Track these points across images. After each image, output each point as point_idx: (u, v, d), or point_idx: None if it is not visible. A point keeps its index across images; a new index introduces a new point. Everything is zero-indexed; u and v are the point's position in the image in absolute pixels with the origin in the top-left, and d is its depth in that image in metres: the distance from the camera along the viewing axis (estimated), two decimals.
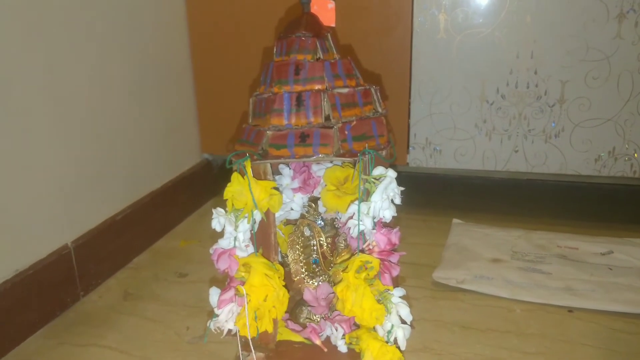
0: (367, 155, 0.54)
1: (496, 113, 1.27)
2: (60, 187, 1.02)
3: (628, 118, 1.19)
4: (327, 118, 0.55)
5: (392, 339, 0.56)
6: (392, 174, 0.54)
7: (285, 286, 0.57)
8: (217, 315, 0.58)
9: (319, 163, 0.66)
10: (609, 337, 0.88)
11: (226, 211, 0.56)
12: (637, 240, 1.16)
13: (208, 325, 0.59)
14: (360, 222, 0.54)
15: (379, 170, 0.55)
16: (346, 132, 0.54)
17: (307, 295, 0.65)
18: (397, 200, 0.56)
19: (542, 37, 1.19)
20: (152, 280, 1.12)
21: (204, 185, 1.50)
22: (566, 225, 1.24)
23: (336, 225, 0.68)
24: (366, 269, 0.55)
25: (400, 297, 0.58)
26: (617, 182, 1.24)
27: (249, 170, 0.54)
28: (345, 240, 0.64)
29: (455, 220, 1.31)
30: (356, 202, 0.55)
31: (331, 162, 0.67)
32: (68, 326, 0.97)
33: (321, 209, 0.67)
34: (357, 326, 0.61)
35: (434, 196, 1.44)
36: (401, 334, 0.56)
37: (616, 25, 1.14)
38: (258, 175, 0.56)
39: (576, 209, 1.29)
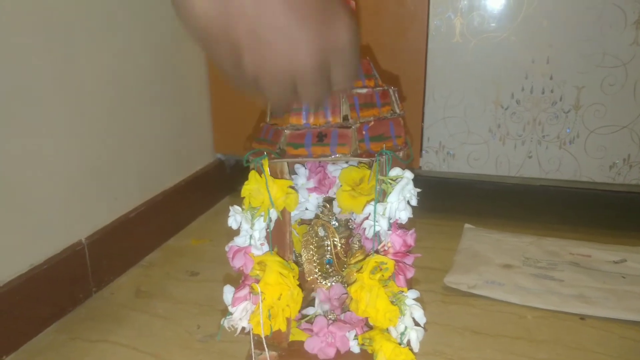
0: (384, 156, 0.54)
1: (510, 118, 1.27)
2: (74, 184, 1.03)
3: None
4: (345, 118, 0.55)
5: (405, 341, 0.56)
6: (409, 175, 0.54)
7: (300, 285, 0.57)
8: (231, 313, 0.58)
9: (335, 163, 0.66)
10: (621, 346, 0.87)
11: (243, 209, 0.57)
12: None
13: (222, 322, 0.59)
14: (376, 223, 0.55)
15: (395, 171, 0.55)
16: (364, 133, 0.55)
17: (321, 296, 0.65)
18: (414, 202, 0.56)
19: (558, 42, 1.18)
20: (164, 278, 1.13)
21: (216, 184, 1.51)
22: (578, 233, 1.23)
23: (350, 226, 0.68)
24: (381, 269, 0.55)
25: (414, 299, 0.58)
26: (631, 190, 1.23)
27: (267, 169, 0.55)
28: (359, 241, 0.64)
29: (467, 225, 1.31)
30: (372, 202, 0.55)
31: (347, 162, 0.67)
32: (80, 322, 0.98)
33: (336, 209, 0.67)
34: (370, 327, 0.61)
35: (446, 200, 1.44)
36: (414, 336, 0.56)
37: (634, 32, 1.14)
38: (275, 174, 0.56)
39: (589, 216, 1.28)
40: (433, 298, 1.02)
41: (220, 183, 1.52)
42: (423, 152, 1.33)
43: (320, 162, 0.67)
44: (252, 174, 0.55)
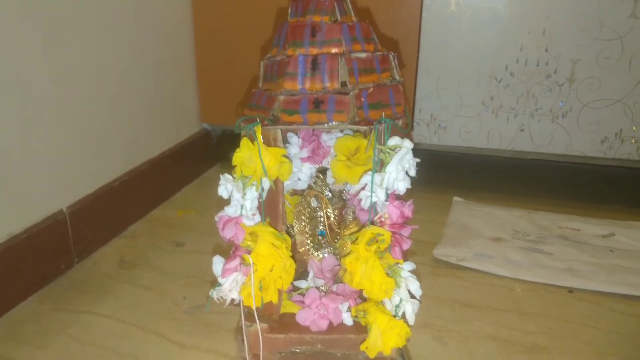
0: (383, 124, 0.51)
1: (504, 90, 1.25)
2: (57, 151, 0.99)
3: (637, 100, 1.17)
4: (344, 84, 0.53)
5: (400, 314, 0.55)
6: (408, 144, 0.52)
7: (292, 257, 0.55)
8: (221, 284, 0.56)
9: (329, 132, 0.64)
10: (610, 319, 0.87)
11: (234, 177, 0.54)
12: (639, 223, 1.16)
13: (210, 294, 0.57)
14: (373, 194, 0.52)
15: (394, 141, 0.52)
16: (362, 99, 0.52)
17: (312, 267, 0.64)
18: (412, 172, 0.54)
19: (555, 14, 1.16)
20: (149, 248, 1.10)
21: (202, 155, 1.47)
22: (568, 207, 1.23)
23: (344, 197, 0.66)
24: (377, 241, 0.53)
25: (409, 271, 0.56)
26: (622, 165, 1.23)
27: (259, 136, 0.52)
28: (353, 212, 0.63)
29: (456, 198, 1.30)
30: (369, 172, 0.53)
31: (342, 131, 0.65)
32: (62, 292, 0.95)
33: (329, 180, 0.65)
34: (363, 299, 0.60)
35: (436, 173, 1.42)
36: (410, 308, 0.55)
37: (632, 4, 1.11)
38: (268, 142, 0.54)
39: (579, 190, 1.28)
40: (422, 270, 1.01)
41: (206, 153, 1.48)
42: (414, 124, 1.31)
43: (315, 130, 0.64)
44: (244, 141, 0.52)
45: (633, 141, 1.20)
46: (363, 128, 0.52)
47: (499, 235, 1.13)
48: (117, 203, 1.15)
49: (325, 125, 0.52)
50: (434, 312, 0.88)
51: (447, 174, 1.44)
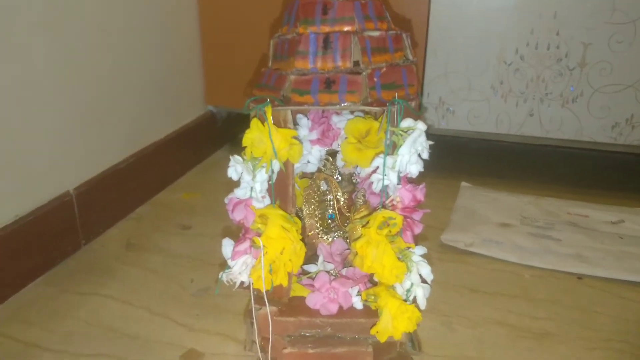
0: (396, 106, 0.50)
1: (514, 74, 1.23)
2: (62, 133, 0.98)
3: None
4: (356, 63, 0.51)
5: (411, 298, 0.55)
6: (421, 126, 0.51)
7: (302, 240, 0.55)
8: (230, 267, 0.56)
9: (340, 113, 0.62)
10: (619, 305, 0.87)
11: (244, 159, 0.53)
12: None
13: (220, 276, 0.57)
14: (385, 177, 0.52)
15: (407, 122, 0.51)
16: (375, 80, 0.51)
17: (322, 251, 0.63)
18: (425, 155, 0.53)
19: None
20: (155, 231, 1.10)
21: (207, 137, 1.46)
22: (576, 193, 1.22)
23: (354, 181, 0.65)
24: (388, 225, 0.52)
25: (421, 255, 0.56)
26: (632, 152, 1.21)
27: (270, 117, 0.51)
28: (364, 196, 0.62)
29: (463, 184, 1.29)
30: (381, 155, 0.52)
31: (352, 113, 0.64)
32: (69, 274, 0.96)
33: (339, 162, 0.64)
34: (373, 283, 0.59)
35: (443, 158, 1.40)
36: (421, 293, 0.54)
37: None
38: (278, 123, 0.53)
39: (588, 177, 1.26)
40: (430, 256, 1.00)
41: (212, 136, 1.47)
42: (422, 108, 1.29)
43: (325, 111, 0.63)
44: (254, 122, 0.51)
45: None
46: (375, 109, 0.51)
47: (507, 221, 1.12)
48: (123, 185, 1.15)
49: (337, 106, 0.51)
50: (441, 298, 0.88)
51: (455, 159, 1.42)
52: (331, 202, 0.64)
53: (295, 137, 0.53)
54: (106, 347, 0.78)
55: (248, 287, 0.57)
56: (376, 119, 0.60)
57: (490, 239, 1.06)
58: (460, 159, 1.42)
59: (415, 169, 0.52)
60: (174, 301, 0.88)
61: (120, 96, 1.13)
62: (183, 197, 1.26)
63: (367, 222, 0.54)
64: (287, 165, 0.54)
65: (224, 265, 0.57)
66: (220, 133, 1.49)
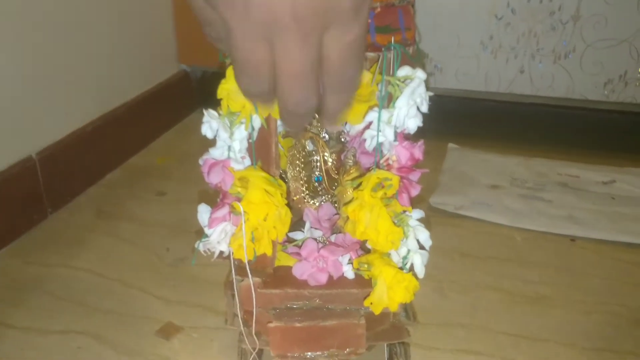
0: (392, 51, 0.44)
1: (504, 29, 1.17)
2: (23, 93, 0.90)
3: None
4: None
5: (407, 266, 0.50)
6: (421, 75, 0.45)
7: (288, 205, 0.49)
8: (207, 236, 0.50)
9: None
10: (613, 267, 0.84)
11: (219, 114, 0.47)
12: None
13: (196, 246, 0.51)
14: (380, 133, 0.46)
15: (405, 71, 0.46)
16: (369, 21, 0.44)
17: (309, 217, 0.58)
18: (424, 108, 0.47)
19: None
20: (128, 198, 1.04)
21: (181, 99, 1.38)
22: (567, 154, 1.18)
23: (343, 140, 0.60)
24: (383, 187, 0.47)
25: (418, 219, 0.51)
26: (624, 110, 1.18)
27: None
28: (354, 156, 0.56)
29: (451, 145, 1.24)
30: (376, 108, 0.46)
31: None
32: (36, 245, 0.89)
33: None
34: (365, 251, 0.54)
35: (429, 119, 1.36)
36: (419, 260, 0.50)
37: None
38: None
39: (578, 137, 1.23)
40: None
41: (186, 97, 1.39)
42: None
43: None
44: (231, 71, 0.45)
45: (638, 84, 1.15)
46: (370, 55, 0.45)
47: (497, 183, 1.09)
48: (91, 150, 1.07)
49: None
50: (432, 263, 0.82)
51: (442, 119, 1.37)
52: (318, 164, 0.58)
53: None
54: (76, 322, 0.72)
55: (228, 257, 0.51)
56: (368, 68, 0.53)
57: (480, 201, 1.02)
58: (447, 120, 1.37)
59: (413, 123, 0.46)
60: (149, 272, 0.83)
61: (87, 54, 1.05)
62: (157, 161, 1.19)
63: (359, 184, 0.48)
64: (269, 121, 0.48)
65: (201, 233, 0.51)
66: (195, 94, 1.41)
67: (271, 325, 0.52)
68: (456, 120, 1.27)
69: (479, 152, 1.21)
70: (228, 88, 0.44)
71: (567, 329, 0.71)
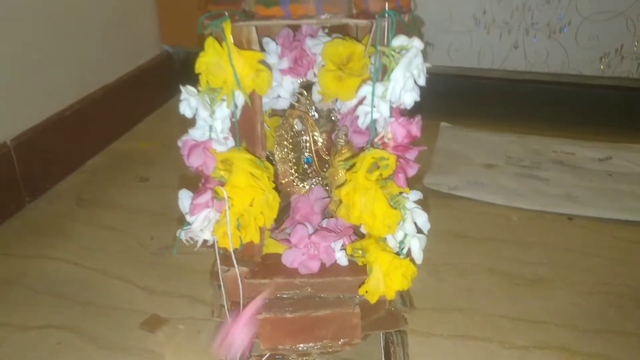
0: (386, 19, 0.40)
1: (498, 3, 1.13)
2: None
3: None
4: None
5: (405, 251, 0.47)
6: (418, 44, 0.42)
7: (275, 189, 0.46)
8: (189, 223, 0.46)
9: (315, 35, 0.52)
10: (612, 246, 0.82)
11: (199, 91, 0.43)
12: (637, 146, 1.09)
13: (178, 234, 0.48)
14: (374, 109, 0.42)
15: (400, 40, 0.42)
16: None
17: (300, 202, 0.54)
18: (422, 81, 0.43)
19: None
20: (110, 184, 1.00)
21: (164, 81, 1.33)
22: (562, 130, 1.16)
23: (334, 118, 0.56)
24: (378, 167, 0.44)
25: (415, 201, 0.47)
26: (620, 84, 1.15)
27: (229, 36, 0.41)
28: (345, 135, 0.53)
29: (443, 124, 1.21)
30: (369, 82, 0.42)
31: (329, 34, 0.53)
32: (13, 235, 0.85)
33: (315, 97, 0.55)
34: (359, 235, 0.51)
35: (421, 97, 1.32)
36: (417, 244, 0.47)
37: None
38: (240, 44, 0.42)
39: (573, 113, 1.20)
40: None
41: (169, 79, 1.34)
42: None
43: (298, 33, 0.53)
44: (210, 43, 0.41)
45: (634, 58, 1.12)
46: (362, 22, 0.41)
47: (491, 162, 1.06)
48: (70, 135, 1.02)
49: (314, 19, 0.41)
50: (427, 245, 0.81)
51: (432, 97, 1.33)
52: (307, 144, 0.55)
53: (262, 62, 0.42)
54: (56, 317, 0.69)
55: (212, 245, 0.48)
56: (359, 39, 0.50)
57: (475, 180, 0.99)
58: (439, 98, 1.33)
59: (410, 97, 0.43)
60: (132, 261, 0.79)
61: (64, 35, 1.00)
62: (140, 146, 1.14)
63: (353, 166, 0.45)
64: (253, 97, 0.44)
65: (183, 221, 0.48)
66: (178, 76, 1.36)
67: (260, 317, 0.49)
68: (448, 98, 1.23)
69: (473, 131, 1.18)
70: (207, 61, 0.40)
71: (567, 311, 0.69)
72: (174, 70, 1.35)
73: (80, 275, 0.77)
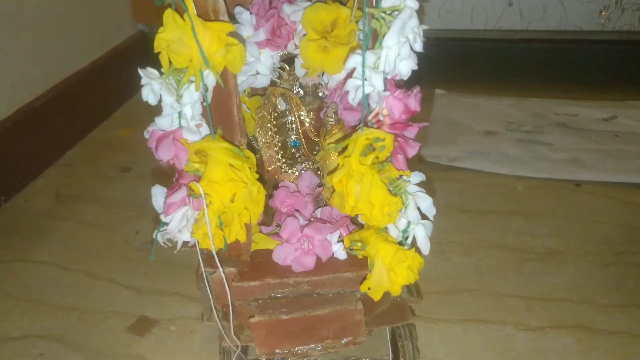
0: None
1: None
2: None
3: None
4: None
5: (409, 241, 0.42)
6: (412, 3, 0.36)
7: (260, 179, 0.40)
8: (166, 224, 0.41)
9: (292, 1, 0.46)
10: (624, 212, 0.78)
11: (161, 73, 0.37)
12: None
13: (154, 236, 0.43)
14: (365, 82, 0.37)
15: (391, 0, 0.36)
16: None
17: (283, 192, 0.49)
18: (418, 46, 0.38)
19: None
20: (90, 177, 0.94)
21: (142, 63, 1.25)
22: (563, 91, 1.10)
23: (321, 94, 0.50)
24: (374, 149, 0.38)
25: (417, 184, 0.42)
26: (621, 39, 1.09)
27: (191, 5, 0.35)
28: (335, 113, 0.47)
29: (438, 91, 1.15)
30: (359, 51, 0.37)
31: None
32: None
33: (299, 71, 0.49)
34: (357, 224, 0.46)
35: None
36: (422, 232, 0.42)
37: None
38: (206, 15, 0.36)
39: (574, 72, 1.14)
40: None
41: (146, 60, 1.26)
42: None
43: None
44: (169, 15, 0.35)
45: (635, 9, 1.05)
46: None
47: (491, 128, 1.01)
48: (43, 127, 0.96)
49: None
50: None
51: (426, 63, 1.27)
52: (293, 125, 0.49)
53: (233, 34, 0.36)
54: (37, 325, 0.64)
55: (194, 246, 0.43)
56: (344, 2, 0.43)
57: (475, 150, 0.94)
58: (433, 64, 1.27)
59: (406, 66, 0.37)
60: (117, 259, 0.74)
61: (31, 18, 0.92)
62: (121, 134, 1.08)
63: (345, 148, 0.40)
64: (226, 77, 0.38)
65: (160, 221, 0.42)
66: (156, 56, 1.28)
67: (253, 320, 0.44)
68: (442, 63, 1.16)
69: (469, 97, 1.12)
70: (167, 38, 0.34)
71: (582, 285, 0.65)
72: (151, 51, 1.28)
73: (62, 278, 0.72)
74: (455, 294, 0.65)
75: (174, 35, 0.34)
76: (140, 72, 0.37)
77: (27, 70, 0.94)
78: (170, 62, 0.36)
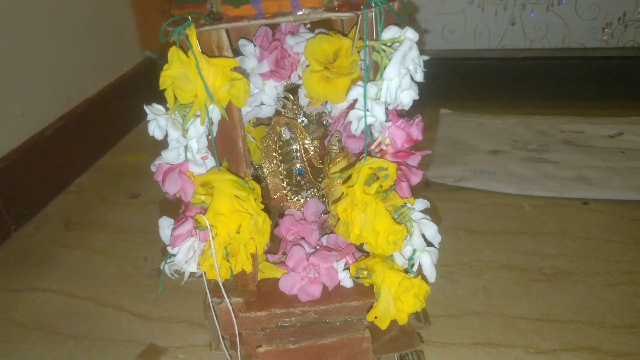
0: (373, 9, 0.35)
1: None
2: None
3: None
4: None
5: (415, 268, 0.42)
6: (412, 35, 0.36)
7: (266, 209, 0.41)
8: (173, 255, 0.41)
9: (296, 32, 0.47)
10: (634, 230, 0.77)
11: (167, 108, 0.38)
12: None
13: (162, 267, 0.43)
14: (368, 112, 0.37)
15: (391, 32, 0.37)
16: None
17: (288, 220, 0.49)
18: (419, 77, 0.38)
19: None
20: (99, 203, 0.95)
21: (149, 88, 1.27)
22: (568, 108, 1.10)
23: (325, 123, 0.51)
24: (378, 178, 0.39)
25: (422, 211, 0.42)
26: (625, 55, 1.09)
27: (195, 43, 0.35)
28: (339, 141, 0.47)
29: (443, 111, 1.16)
30: (359, 83, 0.37)
31: (311, 29, 0.48)
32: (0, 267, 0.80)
33: (302, 101, 0.49)
34: (363, 252, 0.46)
35: (417, 84, 1.27)
36: (428, 260, 0.42)
37: None
38: (210, 51, 0.37)
39: (578, 89, 1.14)
40: (415, 196, 0.88)
41: (154, 86, 1.28)
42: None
43: (278, 30, 0.48)
44: (174, 53, 0.36)
45: (638, 25, 1.06)
46: (346, 15, 0.36)
47: (497, 147, 1.01)
48: (54, 154, 0.97)
49: (290, 16, 0.36)
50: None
51: (430, 83, 1.28)
52: (298, 153, 0.50)
53: (237, 69, 0.37)
54: (47, 354, 0.65)
55: (201, 276, 0.43)
56: (346, 33, 0.44)
57: (481, 169, 0.94)
58: (437, 83, 1.28)
59: (407, 96, 0.38)
60: (126, 286, 0.75)
61: (39, 48, 0.94)
62: (129, 159, 1.09)
63: (349, 177, 0.40)
64: (230, 110, 0.39)
65: (167, 252, 0.43)
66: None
67: (261, 350, 0.44)
68: (446, 83, 1.17)
69: (474, 116, 1.12)
70: (172, 75, 0.35)
71: (592, 306, 0.64)
72: (158, 77, 1.30)
73: (71, 306, 0.72)
74: (464, 317, 0.64)
75: (179, 72, 0.35)
76: (146, 108, 0.37)
77: (36, 99, 0.96)
78: (175, 97, 0.37)
